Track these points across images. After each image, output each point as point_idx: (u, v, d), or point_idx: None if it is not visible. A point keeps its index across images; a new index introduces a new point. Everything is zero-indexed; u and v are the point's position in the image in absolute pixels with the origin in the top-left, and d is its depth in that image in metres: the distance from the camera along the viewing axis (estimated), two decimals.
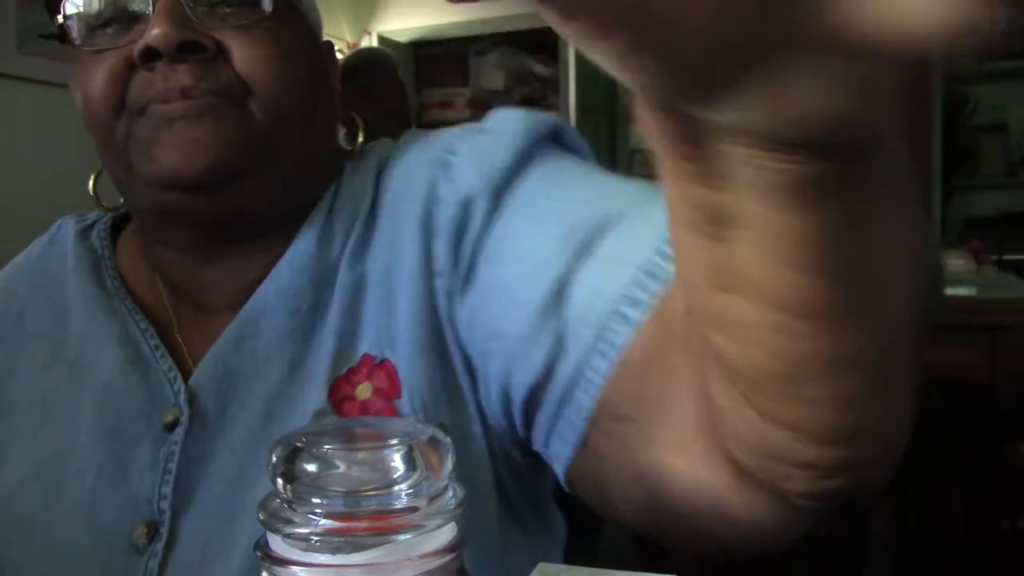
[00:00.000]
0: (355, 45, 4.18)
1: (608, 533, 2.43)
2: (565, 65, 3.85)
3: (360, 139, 0.64)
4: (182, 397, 0.53)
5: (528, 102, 4.51)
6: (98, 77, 0.53)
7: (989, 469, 1.51)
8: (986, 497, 1.72)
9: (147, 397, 0.54)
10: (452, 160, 0.56)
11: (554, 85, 4.28)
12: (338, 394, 0.53)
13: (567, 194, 0.53)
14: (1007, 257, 4.09)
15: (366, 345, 0.54)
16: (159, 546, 0.51)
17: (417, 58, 4.64)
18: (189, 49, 0.51)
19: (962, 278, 1.51)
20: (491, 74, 4.67)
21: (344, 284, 0.55)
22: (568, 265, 0.48)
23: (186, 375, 0.55)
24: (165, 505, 0.51)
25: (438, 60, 4.73)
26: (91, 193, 0.61)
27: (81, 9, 0.54)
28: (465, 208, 0.53)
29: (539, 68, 4.56)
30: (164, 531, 0.51)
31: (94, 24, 0.54)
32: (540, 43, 4.38)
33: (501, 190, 0.53)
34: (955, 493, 2.17)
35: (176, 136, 0.51)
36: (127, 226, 0.65)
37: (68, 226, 0.65)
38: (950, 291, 1.49)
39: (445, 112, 4.62)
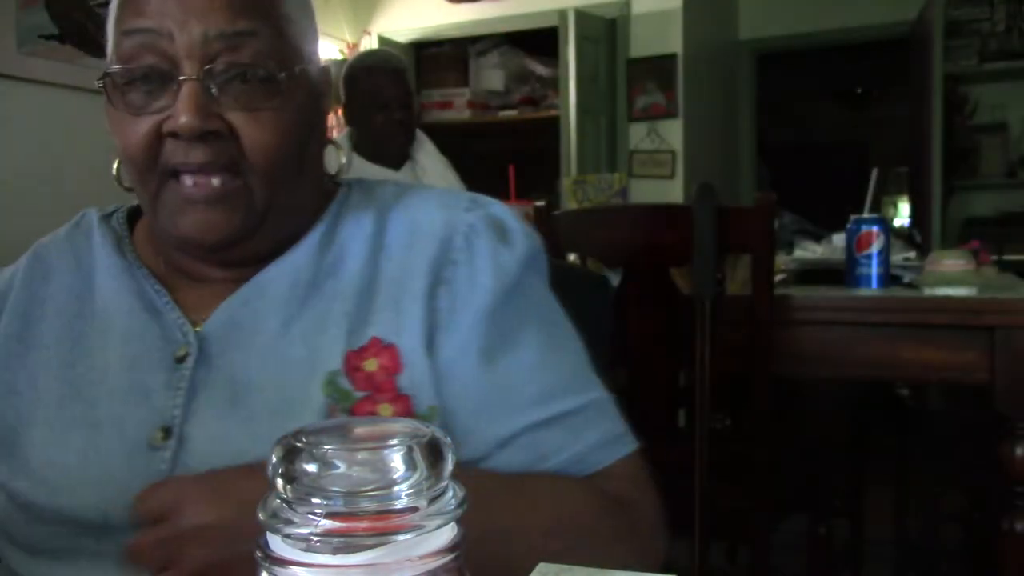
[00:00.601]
0: (355, 45, 4.17)
1: None
2: (565, 65, 3.84)
3: (343, 160, 0.78)
4: (190, 336, 0.69)
5: (528, 102, 4.51)
6: (135, 137, 0.66)
7: (989, 469, 1.50)
8: (986, 497, 1.71)
9: (161, 336, 0.69)
10: (475, 242, 0.71)
11: (554, 85, 4.27)
12: (349, 364, 0.66)
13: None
14: (1007, 257, 4.08)
15: (376, 331, 0.68)
16: (172, 443, 0.65)
17: (417, 58, 4.63)
18: (209, 134, 0.64)
19: (962, 278, 1.50)
20: (491, 74, 4.67)
21: (354, 278, 0.69)
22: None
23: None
24: (177, 413, 0.66)
25: (438, 60, 4.72)
26: (114, 176, 0.73)
27: (118, 72, 0.66)
28: (476, 291, 0.69)
29: (539, 68, 4.55)
30: (176, 432, 0.66)
31: (128, 80, 0.66)
32: (540, 43, 4.38)
33: (503, 303, 0.70)
34: (955, 493, 2.17)
35: (195, 215, 0.66)
36: (142, 217, 0.78)
37: (91, 214, 0.79)
38: (950, 291, 1.48)
39: (445, 112, 4.61)
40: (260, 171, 0.67)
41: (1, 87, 2.35)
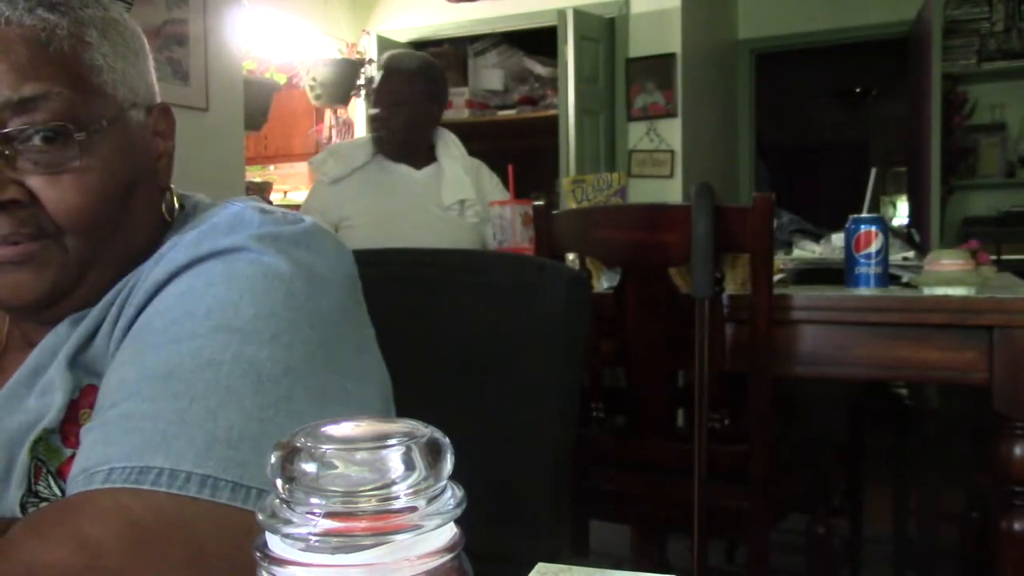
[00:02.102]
0: (354, 45, 4.17)
1: (607, 533, 2.42)
2: (564, 65, 3.85)
3: (177, 207, 0.73)
4: None
5: (527, 102, 4.51)
6: None
7: (988, 469, 1.50)
8: (984, 497, 1.72)
9: None
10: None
11: (553, 85, 4.28)
12: (68, 418, 0.63)
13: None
14: (1005, 257, 4.09)
15: (94, 379, 0.64)
16: None
17: None
18: (8, 203, 0.61)
19: (960, 278, 1.51)
20: (490, 74, 4.67)
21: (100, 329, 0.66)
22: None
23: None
24: None
25: (438, 60, 4.72)
26: None
27: None
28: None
29: (538, 68, 4.56)
30: None
31: None
32: (539, 43, 4.38)
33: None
34: (954, 493, 2.17)
35: (3, 278, 0.63)
36: None
37: None
38: (949, 291, 1.49)
39: (445, 112, 4.61)
40: (72, 232, 0.63)
41: None
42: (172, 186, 0.74)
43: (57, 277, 0.64)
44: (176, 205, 0.73)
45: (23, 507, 0.61)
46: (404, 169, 2.37)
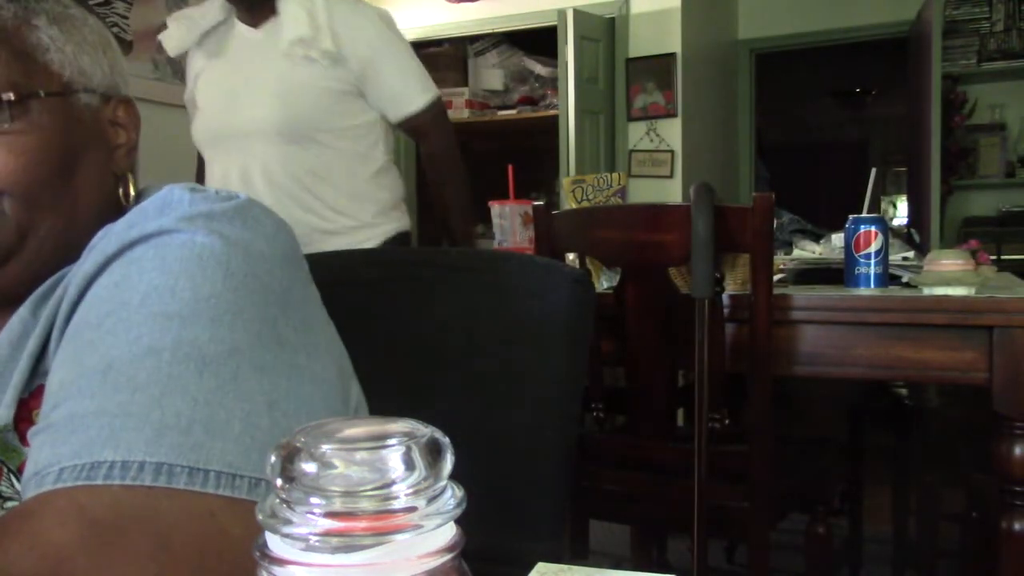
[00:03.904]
0: None
1: (607, 532, 2.43)
2: (564, 65, 3.85)
3: (132, 194, 0.74)
4: None
5: (527, 102, 4.51)
6: None
7: (988, 469, 1.50)
8: (984, 497, 1.72)
9: None
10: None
11: (553, 84, 4.28)
12: (20, 415, 0.62)
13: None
14: (1005, 257, 4.09)
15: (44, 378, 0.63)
16: None
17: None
18: None
19: (960, 278, 1.51)
20: (490, 74, 4.67)
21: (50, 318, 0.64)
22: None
23: None
24: None
25: (437, 59, 4.72)
26: None
27: None
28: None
29: (538, 68, 4.56)
30: None
31: None
32: (539, 43, 4.38)
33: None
34: (953, 492, 2.17)
35: None
36: None
37: None
38: (948, 291, 1.49)
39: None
40: (9, 191, 0.65)
41: None
42: (132, 177, 0.74)
43: None
44: (133, 194, 0.74)
45: None
46: (242, 29, 1.95)
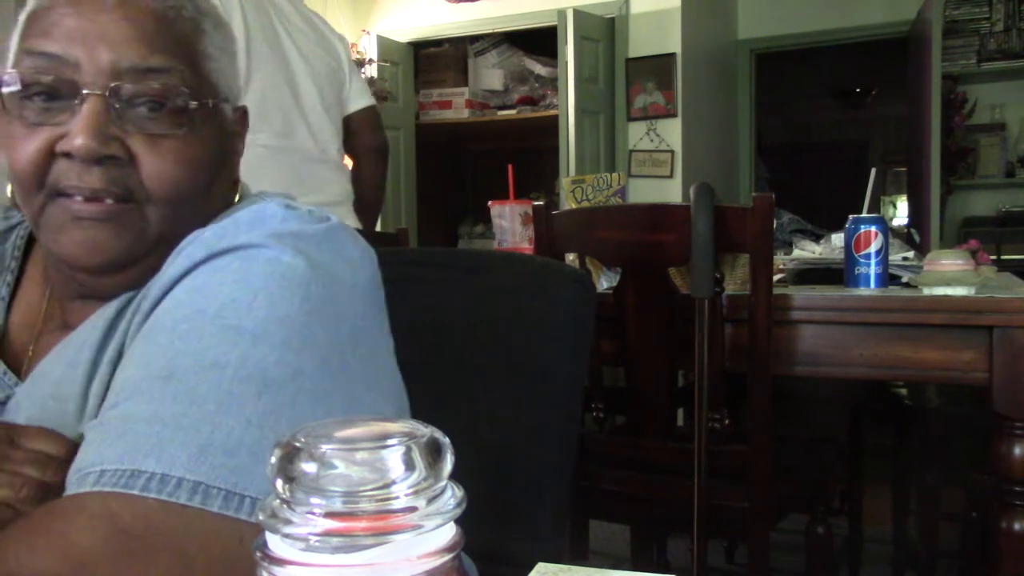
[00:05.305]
0: (355, 45, 4.17)
1: (607, 533, 2.43)
2: (564, 65, 3.85)
3: (237, 197, 0.74)
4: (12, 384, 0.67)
5: (527, 102, 4.51)
6: (24, 152, 0.62)
7: (988, 469, 1.50)
8: (984, 496, 1.72)
9: None
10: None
11: (553, 85, 4.28)
12: None
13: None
14: (1005, 256, 4.09)
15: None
16: None
17: (416, 57, 4.63)
18: (106, 158, 0.61)
19: (960, 278, 1.51)
20: (490, 74, 4.67)
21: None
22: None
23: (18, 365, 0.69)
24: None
25: (437, 59, 4.72)
26: (8, 199, 0.70)
27: (16, 84, 0.61)
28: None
29: (538, 68, 4.56)
30: None
31: (27, 94, 0.62)
32: (539, 43, 4.38)
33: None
34: (953, 492, 2.17)
35: (81, 233, 0.62)
36: None
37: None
38: (948, 291, 1.49)
39: (444, 111, 4.62)
40: (157, 200, 0.64)
41: None
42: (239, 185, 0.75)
43: (134, 242, 0.64)
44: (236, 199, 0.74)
45: None
46: None
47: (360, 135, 2.36)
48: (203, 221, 0.67)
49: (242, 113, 0.73)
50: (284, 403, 0.55)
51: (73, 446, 0.56)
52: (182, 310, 0.59)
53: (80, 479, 0.52)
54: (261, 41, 2.04)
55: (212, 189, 0.69)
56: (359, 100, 2.35)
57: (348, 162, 2.39)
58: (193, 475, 0.51)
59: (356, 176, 2.36)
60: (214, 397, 0.54)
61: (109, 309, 0.65)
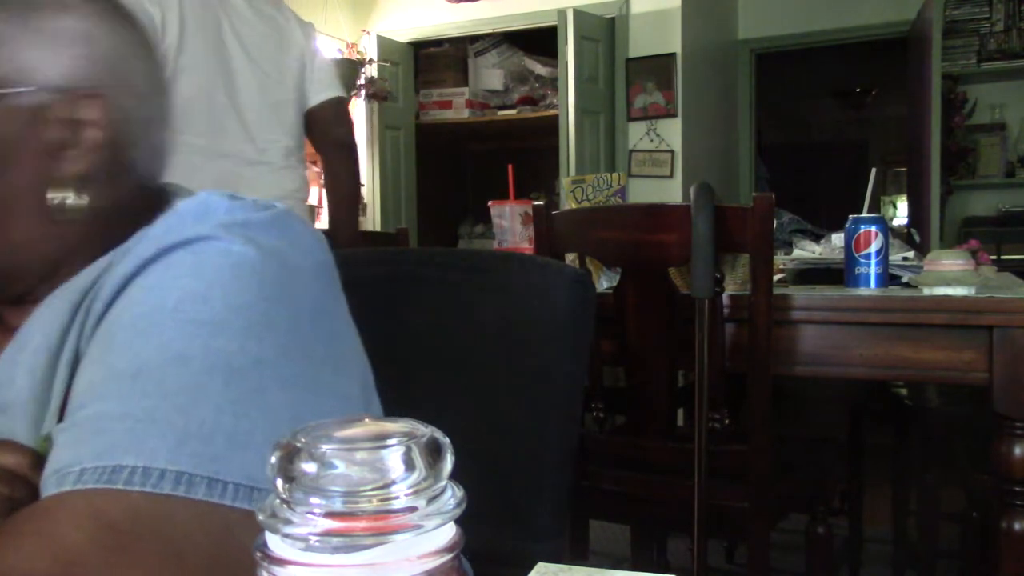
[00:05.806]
0: (355, 45, 4.17)
1: (607, 533, 2.43)
2: (564, 65, 3.85)
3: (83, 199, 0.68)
4: None
5: (527, 102, 4.51)
6: None
7: (988, 469, 1.51)
8: (984, 496, 1.72)
9: None
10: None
11: (553, 85, 4.28)
12: None
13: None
14: (1005, 256, 4.10)
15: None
16: None
17: (416, 57, 4.63)
18: None
19: (960, 278, 1.51)
20: (490, 74, 4.67)
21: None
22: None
23: None
24: None
25: (437, 59, 4.72)
26: None
27: None
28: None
29: (538, 68, 4.56)
30: None
31: None
32: (539, 43, 4.38)
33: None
34: (953, 492, 2.17)
35: None
36: None
37: None
38: (948, 291, 1.49)
39: (444, 111, 4.62)
40: None
41: None
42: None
43: (19, 286, 0.64)
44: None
45: None
46: None
47: (321, 129, 2.28)
48: (14, 231, 0.65)
49: (86, 97, 0.65)
50: (252, 390, 0.56)
51: (37, 456, 0.55)
52: (139, 308, 0.58)
53: (59, 479, 0.52)
54: (198, 39, 2.00)
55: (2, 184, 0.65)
56: (322, 93, 2.25)
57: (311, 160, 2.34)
58: (175, 465, 0.51)
59: (325, 172, 2.31)
60: (183, 389, 0.54)
61: (57, 311, 0.63)
